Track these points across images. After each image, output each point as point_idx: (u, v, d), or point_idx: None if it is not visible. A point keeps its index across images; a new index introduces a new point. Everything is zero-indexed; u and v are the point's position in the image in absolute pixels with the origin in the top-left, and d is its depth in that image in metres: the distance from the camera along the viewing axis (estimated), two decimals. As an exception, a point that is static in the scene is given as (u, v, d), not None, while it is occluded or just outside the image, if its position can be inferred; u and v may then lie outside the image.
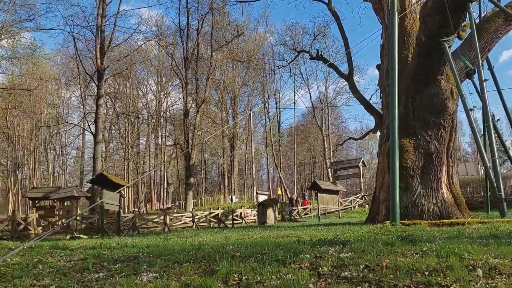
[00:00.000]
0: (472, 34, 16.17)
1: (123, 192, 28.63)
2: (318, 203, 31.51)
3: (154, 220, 25.40)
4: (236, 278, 5.03)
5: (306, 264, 5.45)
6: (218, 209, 29.99)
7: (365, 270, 5.10)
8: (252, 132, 54.04)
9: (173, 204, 50.48)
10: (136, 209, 58.51)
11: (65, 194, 27.41)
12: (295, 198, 49.53)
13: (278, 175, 58.65)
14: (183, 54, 36.26)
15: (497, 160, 13.90)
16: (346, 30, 54.06)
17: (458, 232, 8.06)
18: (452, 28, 16.05)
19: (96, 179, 20.46)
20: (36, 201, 30.40)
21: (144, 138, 59.19)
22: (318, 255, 5.86)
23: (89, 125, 38.82)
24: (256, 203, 47.50)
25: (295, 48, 29.86)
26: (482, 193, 34.83)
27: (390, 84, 14.51)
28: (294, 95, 58.04)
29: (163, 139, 54.59)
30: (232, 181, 56.57)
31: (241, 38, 44.08)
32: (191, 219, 26.43)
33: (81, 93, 39.34)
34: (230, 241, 9.55)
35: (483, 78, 15.27)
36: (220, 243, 8.61)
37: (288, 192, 53.43)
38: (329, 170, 49.66)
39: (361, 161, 44.86)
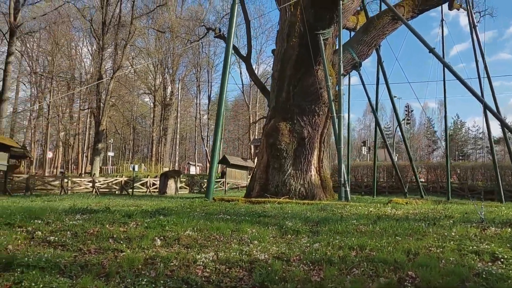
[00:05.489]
0: (339, 33, 17.22)
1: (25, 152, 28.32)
2: (225, 177, 32.57)
3: (52, 183, 25.55)
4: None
5: (30, 228, 6.22)
6: (122, 176, 30.44)
7: (72, 236, 5.93)
8: (180, 102, 54.12)
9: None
10: (64, 170, 57.93)
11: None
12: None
13: (204, 147, 59.48)
14: (102, 18, 35.72)
15: (341, 148, 15.13)
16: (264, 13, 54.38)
17: (228, 209, 9.14)
18: (327, 21, 17.14)
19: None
20: None
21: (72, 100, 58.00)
22: (50, 221, 6.68)
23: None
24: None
25: (204, 25, 30.24)
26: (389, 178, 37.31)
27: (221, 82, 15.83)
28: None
29: (80, 102, 53.89)
30: (159, 151, 56.75)
31: (165, 9, 43.60)
32: (91, 184, 26.72)
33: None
34: (61, 206, 10.17)
35: (341, 72, 16.36)
36: (36, 207, 9.23)
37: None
38: (251, 146, 50.89)
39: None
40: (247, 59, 22.80)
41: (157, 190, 28.97)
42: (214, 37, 26.47)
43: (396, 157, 58.17)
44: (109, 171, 50.95)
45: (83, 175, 38.77)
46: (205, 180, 37.52)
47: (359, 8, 23.51)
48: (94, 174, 32.89)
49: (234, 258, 5.06)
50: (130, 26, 35.24)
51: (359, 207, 9.82)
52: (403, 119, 54.22)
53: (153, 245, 5.57)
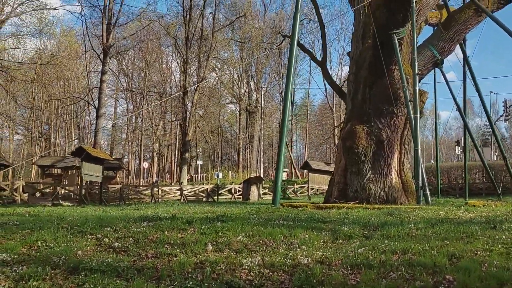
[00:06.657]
0: (412, 31, 16.66)
1: (120, 164, 30.47)
2: (309, 182, 32.59)
3: (143, 192, 27.23)
4: (39, 244, 6.29)
5: (99, 235, 6.76)
6: (208, 184, 31.60)
7: (134, 242, 6.38)
8: (264, 110, 55.08)
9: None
10: (158, 179, 61.51)
11: (68, 164, 29.55)
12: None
13: (289, 153, 59.83)
14: (185, 34, 37.51)
15: (418, 150, 14.59)
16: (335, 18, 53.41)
17: (290, 215, 9.18)
18: (401, 20, 16.65)
19: (76, 151, 22.11)
20: (45, 169, 32.75)
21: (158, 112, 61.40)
22: (118, 228, 7.20)
23: (93, 100, 40.75)
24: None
25: (280, 33, 30.56)
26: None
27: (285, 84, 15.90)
28: (310, 75, 58.52)
29: (171, 115, 56.93)
30: (246, 158, 58.10)
31: (244, 19, 44.65)
32: (179, 192, 28.08)
33: (86, 69, 41.55)
34: (130, 214, 10.91)
35: (416, 72, 15.81)
36: (94, 216, 10.00)
37: (298, 170, 54.43)
38: (336, 150, 50.33)
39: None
40: (322, 64, 22.75)
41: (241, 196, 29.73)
42: (289, 43, 26.71)
43: (495, 156, 54.53)
44: (199, 179, 53.07)
45: (173, 184, 40.81)
46: (289, 186, 37.82)
47: (442, 3, 22.58)
48: (182, 182, 34.51)
49: (279, 262, 5.21)
50: (211, 39, 36.77)
51: (429, 211, 9.48)
52: (501, 115, 50.76)
53: (205, 250, 5.88)
